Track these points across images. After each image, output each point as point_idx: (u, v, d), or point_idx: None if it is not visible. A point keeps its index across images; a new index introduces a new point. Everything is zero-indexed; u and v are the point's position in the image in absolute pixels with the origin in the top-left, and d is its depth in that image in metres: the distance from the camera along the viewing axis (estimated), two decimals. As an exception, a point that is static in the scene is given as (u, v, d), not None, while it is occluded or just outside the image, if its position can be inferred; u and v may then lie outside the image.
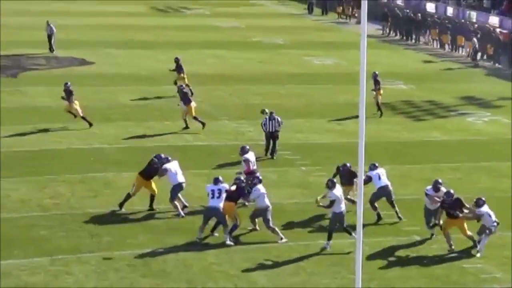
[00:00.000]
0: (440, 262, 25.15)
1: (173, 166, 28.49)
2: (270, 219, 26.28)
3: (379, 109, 41.40)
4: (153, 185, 28.69)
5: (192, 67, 51.29)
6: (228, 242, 25.98)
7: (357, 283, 16.78)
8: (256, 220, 26.88)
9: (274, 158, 34.11)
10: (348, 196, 28.15)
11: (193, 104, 38.68)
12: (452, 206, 25.58)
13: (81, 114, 38.09)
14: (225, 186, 26.27)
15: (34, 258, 24.74)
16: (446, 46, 63.13)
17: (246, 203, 27.63)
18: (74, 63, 52.80)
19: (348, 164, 28.65)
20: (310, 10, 79.90)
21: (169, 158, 28.82)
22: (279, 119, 34.36)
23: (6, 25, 64.31)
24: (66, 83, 39.18)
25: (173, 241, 26.16)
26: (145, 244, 26.03)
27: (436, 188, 26.42)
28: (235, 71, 51.96)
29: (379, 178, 27.93)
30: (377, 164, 28.18)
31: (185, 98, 38.84)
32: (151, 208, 28.63)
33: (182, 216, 27.97)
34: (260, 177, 27.21)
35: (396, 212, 28.01)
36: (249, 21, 72.70)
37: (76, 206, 28.97)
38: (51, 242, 26.02)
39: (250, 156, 29.98)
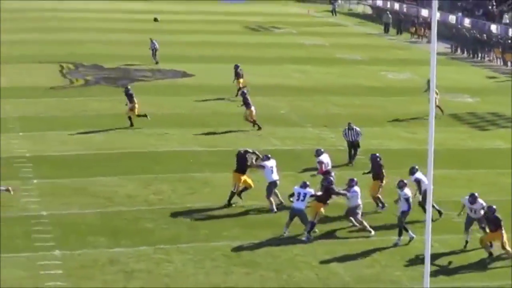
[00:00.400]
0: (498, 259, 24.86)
1: (270, 164, 28.51)
2: (359, 213, 26.46)
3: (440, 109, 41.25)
4: (249, 179, 28.88)
5: (279, 80, 51.59)
6: (304, 238, 25.93)
7: (425, 276, 16.63)
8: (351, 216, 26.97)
9: (353, 164, 33.92)
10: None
11: (253, 108, 39.02)
12: (491, 221, 25.01)
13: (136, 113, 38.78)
14: (311, 191, 26.20)
15: (140, 247, 24.98)
16: (509, 63, 62.25)
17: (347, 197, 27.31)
18: (176, 75, 53.15)
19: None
20: (386, 30, 79.44)
21: (269, 156, 28.83)
22: (357, 129, 34.23)
23: (119, 41, 65.11)
24: (127, 88, 39.73)
25: (264, 235, 26.20)
26: (238, 236, 26.13)
27: (472, 200, 25.66)
28: (318, 84, 51.83)
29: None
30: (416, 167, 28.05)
31: (246, 103, 39.13)
32: (239, 197, 28.78)
33: (275, 212, 27.97)
34: (332, 178, 27.17)
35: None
36: (332, 39, 72.46)
37: (176, 202, 29.17)
38: (154, 233, 26.25)
39: (324, 158, 29.99)
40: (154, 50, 56.42)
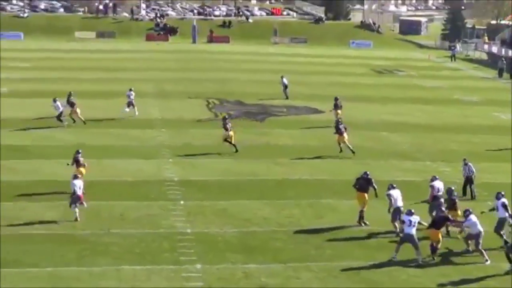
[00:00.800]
0: None
1: (395, 193, 28.25)
2: (480, 242, 25.79)
3: None
4: (366, 198, 29.04)
5: (402, 118, 51.01)
6: (420, 262, 25.41)
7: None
8: (469, 242, 26.48)
9: (476, 198, 33.11)
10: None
11: (345, 135, 39.77)
12: None
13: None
14: (417, 218, 25.84)
15: (271, 264, 24.97)
16: None
17: (462, 229, 26.91)
18: (308, 112, 53.14)
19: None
20: (500, 75, 77.68)
21: (394, 185, 28.59)
22: (471, 166, 33.59)
23: (260, 80, 65.52)
24: (225, 117, 41.29)
25: (383, 256, 25.83)
26: (360, 257, 25.91)
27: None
28: (437, 122, 50.97)
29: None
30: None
31: (338, 129, 40.04)
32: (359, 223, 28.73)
33: (397, 235, 27.52)
34: (442, 205, 26.98)
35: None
36: (450, 82, 71.34)
37: (305, 224, 29.09)
38: (285, 252, 26.22)
39: (437, 183, 29.84)
40: (284, 87, 56.79)
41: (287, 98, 56.86)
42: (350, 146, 40.19)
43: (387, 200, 28.28)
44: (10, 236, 26.75)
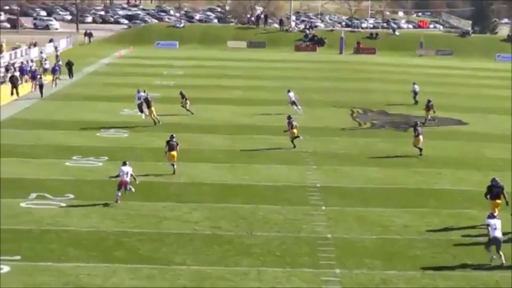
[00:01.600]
0: None
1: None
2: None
3: None
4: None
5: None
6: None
7: None
8: None
9: None
10: None
11: (420, 137, 40.81)
12: None
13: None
14: (499, 220, 25.68)
15: (409, 272, 24.56)
16: None
17: None
18: (452, 123, 52.08)
19: None
20: None
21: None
22: None
23: (403, 90, 64.76)
24: (289, 116, 42.60)
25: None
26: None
27: None
28: None
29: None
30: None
31: (416, 131, 41.12)
32: None
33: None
34: None
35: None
36: None
37: (444, 234, 28.41)
38: (423, 260, 25.73)
39: None
40: (414, 93, 56.69)
41: (416, 103, 56.96)
42: (421, 147, 40.86)
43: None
44: (159, 235, 27.36)
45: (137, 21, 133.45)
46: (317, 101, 59.38)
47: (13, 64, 68.28)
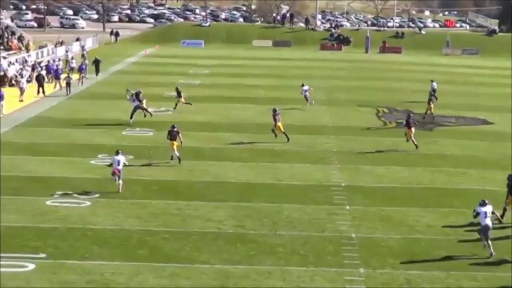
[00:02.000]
0: None
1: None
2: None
3: None
4: None
5: None
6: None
7: None
8: None
9: None
10: None
11: (412, 129, 41.65)
12: None
13: None
14: (490, 207, 26.09)
15: (433, 272, 24.41)
16: None
17: None
18: (477, 122, 51.79)
19: None
20: None
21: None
22: None
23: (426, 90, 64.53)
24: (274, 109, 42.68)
25: None
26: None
27: None
28: None
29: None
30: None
31: (408, 123, 41.94)
32: None
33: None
34: None
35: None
36: None
37: (468, 234, 28.18)
38: (448, 260, 25.58)
39: None
40: (433, 91, 56.44)
41: (436, 98, 56.19)
42: (414, 141, 41.48)
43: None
44: (183, 233, 27.39)
45: (163, 20, 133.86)
46: (342, 100, 59.29)
47: (39, 63, 68.72)
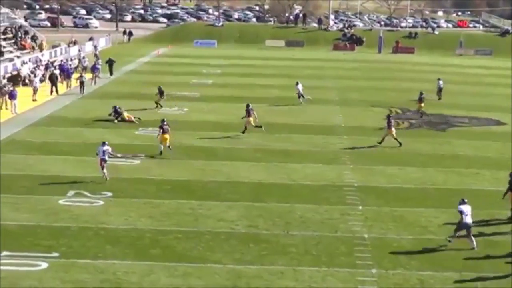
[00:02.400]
0: None
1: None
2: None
3: None
4: None
5: None
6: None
7: None
8: None
9: None
10: None
11: (393, 129, 42.44)
12: None
13: None
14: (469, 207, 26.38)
15: (445, 273, 24.34)
16: None
17: None
18: (490, 123, 51.60)
19: None
20: None
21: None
22: None
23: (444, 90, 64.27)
24: (248, 105, 44.04)
25: None
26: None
27: None
28: None
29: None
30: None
31: (389, 123, 42.60)
32: None
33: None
34: None
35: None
36: None
37: (482, 235, 28.09)
38: (460, 260, 25.47)
39: None
40: (439, 89, 56.29)
41: (439, 99, 57.13)
42: (397, 139, 42.10)
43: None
44: (195, 233, 27.40)
45: (176, 20, 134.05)
46: (354, 100, 59.20)
47: (52, 63, 68.87)
